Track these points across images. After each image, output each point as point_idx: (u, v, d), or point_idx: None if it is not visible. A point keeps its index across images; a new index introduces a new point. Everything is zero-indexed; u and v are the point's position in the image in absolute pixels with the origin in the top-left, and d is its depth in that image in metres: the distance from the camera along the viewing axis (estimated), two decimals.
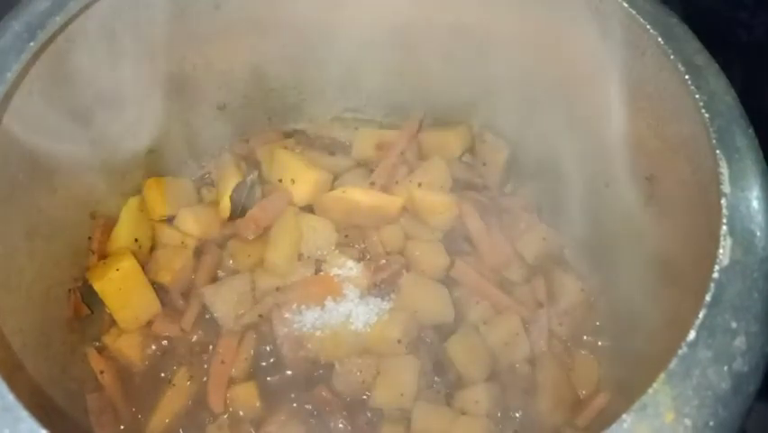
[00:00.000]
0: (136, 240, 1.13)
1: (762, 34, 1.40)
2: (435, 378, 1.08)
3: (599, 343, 1.14)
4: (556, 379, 1.09)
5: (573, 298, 1.16)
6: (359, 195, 1.13)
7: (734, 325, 0.66)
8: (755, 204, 0.73)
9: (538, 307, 1.15)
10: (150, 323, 1.10)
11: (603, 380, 1.11)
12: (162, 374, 1.09)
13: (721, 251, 0.70)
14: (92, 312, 1.10)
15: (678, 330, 0.68)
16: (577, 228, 1.18)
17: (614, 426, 0.61)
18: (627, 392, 0.64)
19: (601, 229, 1.13)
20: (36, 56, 0.83)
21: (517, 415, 1.08)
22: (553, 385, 1.09)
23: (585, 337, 1.15)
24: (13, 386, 0.63)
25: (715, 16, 1.39)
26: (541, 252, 1.18)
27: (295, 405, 1.06)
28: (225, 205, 1.17)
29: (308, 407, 1.06)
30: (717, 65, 0.81)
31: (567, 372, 1.12)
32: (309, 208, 1.15)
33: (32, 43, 0.81)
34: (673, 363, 0.64)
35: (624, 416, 0.61)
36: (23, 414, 0.61)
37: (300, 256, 1.12)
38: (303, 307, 1.07)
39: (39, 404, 0.64)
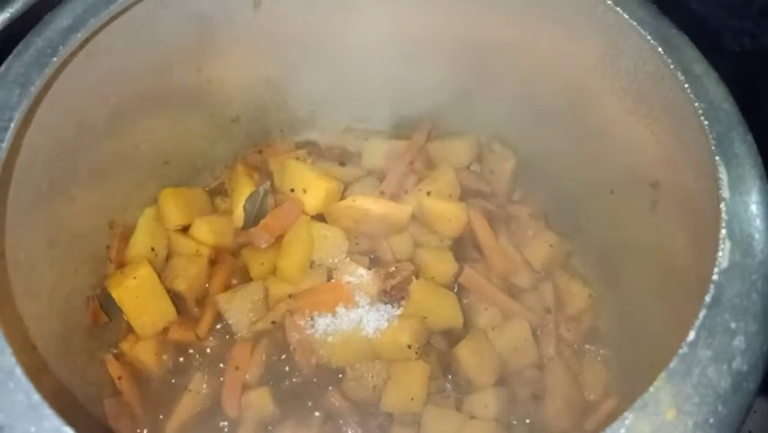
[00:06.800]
0: (152, 249, 1.16)
1: (766, 42, 1.41)
2: (445, 383, 1.10)
3: (607, 347, 1.16)
4: (564, 383, 1.11)
5: (581, 303, 1.18)
6: (369, 204, 1.14)
7: (733, 325, 0.68)
8: (754, 208, 0.74)
9: (546, 312, 1.16)
10: (166, 330, 1.13)
11: (611, 384, 1.12)
12: (178, 380, 1.11)
13: (720, 253, 0.71)
14: (110, 319, 1.12)
15: (682, 332, 0.69)
16: (584, 235, 1.20)
17: (616, 423, 0.62)
18: (635, 396, 0.65)
19: (607, 235, 1.15)
20: (59, 71, 0.86)
21: (526, 419, 1.10)
22: (562, 390, 1.10)
23: (593, 342, 1.17)
24: (38, 387, 0.65)
25: (719, 25, 1.40)
26: (548, 258, 1.20)
27: (307, 410, 1.08)
28: (239, 214, 1.20)
29: (320, 411, 1.08)
30: (716, 73, 0.83)
31: (575, 376, 1.13)
32: (320, 217, 1.17)
33: (54, 58, 0.83)
34: (674, 362, 0.66)
35: (626, 413, 0.63)
36: (48, 412, 0.63)
37: (312, 264, 1.14)
38: (315, 313, 1.09)
39: (62, 404, 0.66)
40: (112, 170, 1.10)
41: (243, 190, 1.21)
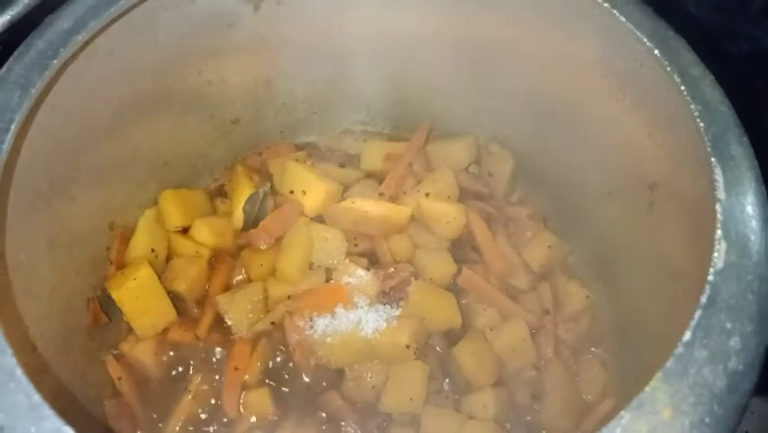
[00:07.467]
0: (153, 250, 1.16)
1: (765, 45, 1.41)
2: (444, 383, 1.10)
3: (605, 348, 1.16)
4: (563, 384, 1.11)
5: (579, 304, 1.18)
6: (368, 205, 1.15)
7: (729, 325, 0.68)
8: (750, 209, 0.75)
9: (544, 313, 1.17)
10: (166, 330, 1.13)
11: (609, 385, 1.13)
12: (178, 381, 1.11)
13: (716, 254, 0.72)
14: (110, 320, 1.12)
15: (680, 333, 0.69)
16: (582, 236, 1.21)
17: (612, 422, 0.63)
18: (633, 397, 0.65)
19: (606, 236, 1.15)
20: (59, 72, 0.87)
21: (524, 420, 1.10)
22: (560, 390, 1.11)
23: (591, 343, 1.17)
24: (38, 387, 0.65)
25: (718, 26, 1.40)
26: (546, 259, 1.20)
27: (306, 410, 1.08)
28: (238, 216, 1.20)
29: (319, 412, 1.08)
30: (712, 76, 0.84)
31: (573, 377, 1.14)
32: (320, 219, 1.17)
33: (54, 61, 0.84)
34: (670, 362, 0.66)
35: (622, 412, 0.63)
36: (48, 413, 0.64)
37: (311, 265, 1.14)
38: (314, 314, 1.09)
39: (62, 405, 0.66)
40: (112, 172, 1.11)
41: (243, 192, 1.21)
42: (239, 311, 1.12)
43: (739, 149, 0.79)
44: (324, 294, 1.11)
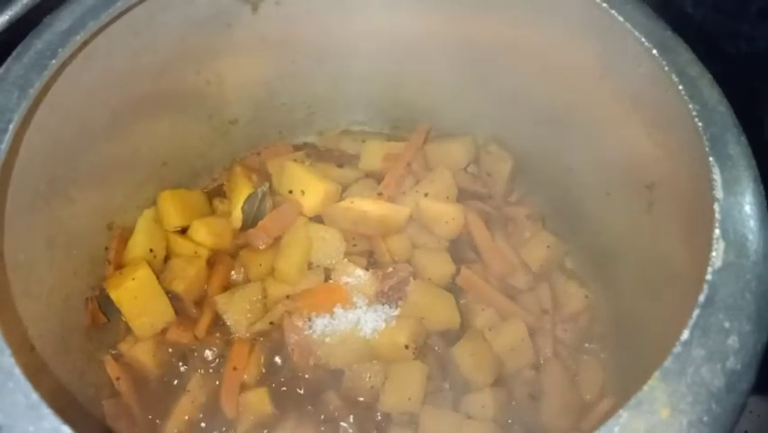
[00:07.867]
0: (151, 250, 1.16)
1: (763, 45, 1.41)
2: (442, 383, 1.10)
3: (604, 348, 1.16)
4: (561, 384, 1.11)
5: (577, 304, 1.18)
6: (367, 205, 1.15)
7: (727, 324, 0.68)
8: (748, 209, 0.75)
9: (543, 313, 1.17)
10: (164, 331, 1.13)
11: (608, 384, 1.13)
12: (176, 381, 1.12)
13: (714, 254, 0.72)
14: (108, 320, 1.13)
15: (678, 332, 0.69)
16: (580, 236, 1.21)
17: (610, 421, 0.63)
18: (632, 396, 0.65)
19: (604, 236, 1.15)
20: (58, 73, 0.86)
21: (523, 419, 1.10)
22: (559, 390, 1.11)
23: (589, 343, 1.17)
24: (37, 387, 0.65)
25: (716, 26, 1.40)
26: (545, 259, 1.20)
27: (305, 410, 1.08)
28: (237, 216, 1.20)
29: (318, 412, 1.08)
30: (710, 75, 0.84)
31: (572, 377, 1.14)
32: (318, 219, 1.18)
33: (53, 61, 0.84)
34: (668, 362, 0.66)
35: (620, 411, 0.63)
36: (47, 412, 0.64)
37: (310, 265, 1.15)
38: (313, 314, 1.10)
39: (61, 405, 0.66)
40: (111, 172, 1.11)
41: (242, 192, 1.21)
42: (238, 311, 1.12)
43: (737, 148, 0.79)
44: (322, 294, 1.11)
